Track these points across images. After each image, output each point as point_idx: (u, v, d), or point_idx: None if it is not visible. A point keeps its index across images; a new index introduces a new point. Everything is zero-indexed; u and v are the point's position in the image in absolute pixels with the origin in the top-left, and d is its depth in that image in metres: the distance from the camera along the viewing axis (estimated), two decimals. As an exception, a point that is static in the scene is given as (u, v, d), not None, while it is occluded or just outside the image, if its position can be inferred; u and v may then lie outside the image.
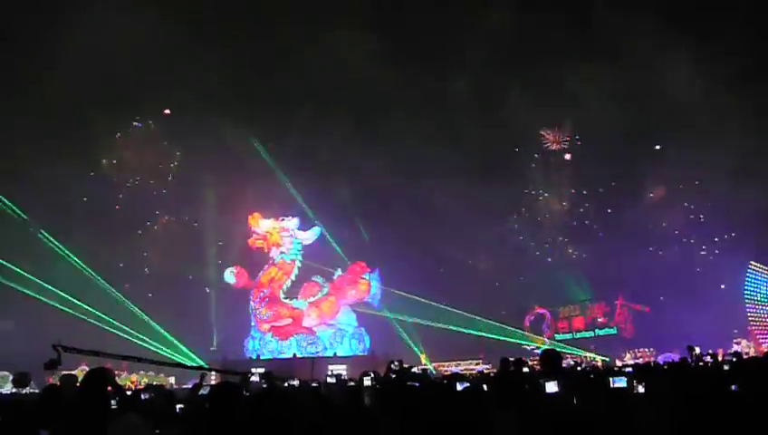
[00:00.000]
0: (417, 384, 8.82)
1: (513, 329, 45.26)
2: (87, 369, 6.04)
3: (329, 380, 12.55)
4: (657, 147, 45.00)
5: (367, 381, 12.14)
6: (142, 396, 9.33)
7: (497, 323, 43.39)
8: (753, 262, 42.10)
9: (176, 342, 37.94)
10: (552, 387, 6.02)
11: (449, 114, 45.91)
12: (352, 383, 12.26)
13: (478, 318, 42.65)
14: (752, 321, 41.56)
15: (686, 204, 46.06)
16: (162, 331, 37.66)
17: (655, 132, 44.99)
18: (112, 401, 5.66)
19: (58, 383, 7.76)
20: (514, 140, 49.30)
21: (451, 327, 41.14)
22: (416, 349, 41.09)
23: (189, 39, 38.84)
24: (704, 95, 39.03)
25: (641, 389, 6.37)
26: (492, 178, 44.26)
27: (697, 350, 16.27)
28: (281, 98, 44.90)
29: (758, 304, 41.88)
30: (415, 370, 16.99)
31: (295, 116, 43.99)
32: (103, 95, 40.69)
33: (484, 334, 42.26)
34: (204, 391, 9.77)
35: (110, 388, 5.62)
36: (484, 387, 7.61)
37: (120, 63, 40.13)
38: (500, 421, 3.17)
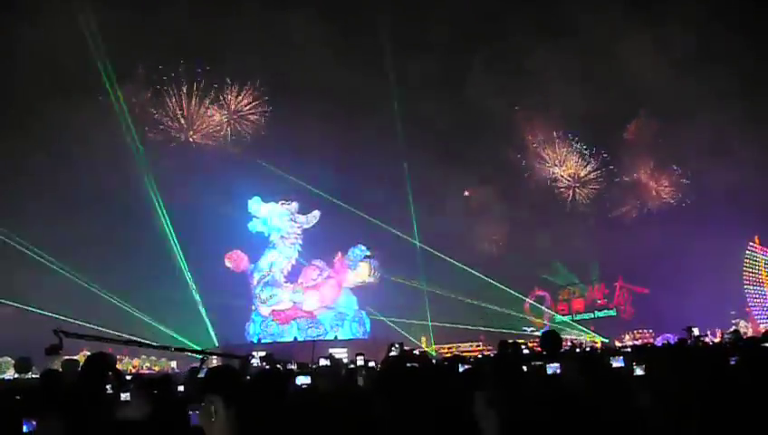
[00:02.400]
0: (417, 366, 8.82)
1: (512, 312, 45.46)
2: (89, 354, 6.02)
3: (321, 362, 12.53)
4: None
5: (360, 361, 12.20)
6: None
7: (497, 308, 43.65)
8: (751, 242, 42.14)
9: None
10: (551, 368, 6.01)
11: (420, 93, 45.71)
12: (352, 366, 12.31)
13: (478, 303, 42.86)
14: (750, 301, 41.69)
15: (682, 181, 46.11)
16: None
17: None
18: (108, 386, 5.63)
19: (60, 369, 7.78)
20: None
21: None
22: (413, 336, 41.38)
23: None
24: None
25: (640, 371, 6.38)
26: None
27: (696, 331, 16.27)
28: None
29: (756, 285, 41.98)
30: (416, 353, 17.07)
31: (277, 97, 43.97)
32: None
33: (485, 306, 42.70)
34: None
35: (110, 373, 5.61)
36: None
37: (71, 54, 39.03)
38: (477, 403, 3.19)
